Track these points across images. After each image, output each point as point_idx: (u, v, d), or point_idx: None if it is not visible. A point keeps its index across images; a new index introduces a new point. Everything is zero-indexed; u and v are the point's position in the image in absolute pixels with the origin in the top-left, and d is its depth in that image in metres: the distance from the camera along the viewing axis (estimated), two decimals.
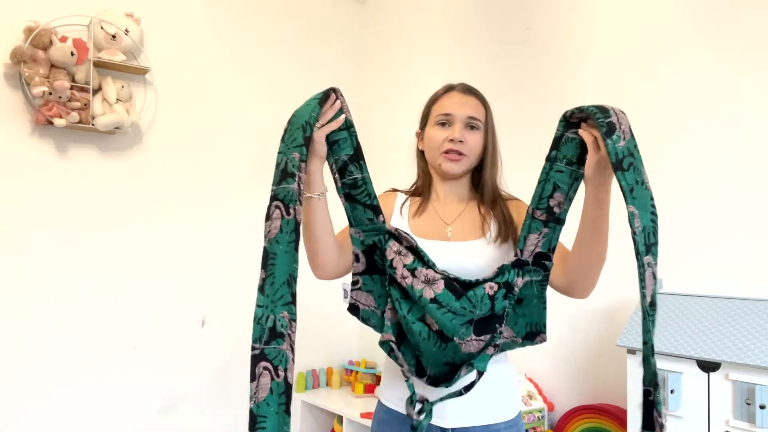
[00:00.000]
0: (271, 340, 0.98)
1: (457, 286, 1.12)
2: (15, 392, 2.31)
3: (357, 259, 1.21)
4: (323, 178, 1.16)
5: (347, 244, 1.22)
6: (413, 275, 1.14)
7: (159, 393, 2.65)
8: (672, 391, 1.57)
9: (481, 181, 1.34)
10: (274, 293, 1.00)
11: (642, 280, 0.94)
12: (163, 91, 2.70)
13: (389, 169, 2.39)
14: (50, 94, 2.28)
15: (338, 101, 1.14)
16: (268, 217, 1.04)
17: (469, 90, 1.36)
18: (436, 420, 1.23)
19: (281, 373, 0.97)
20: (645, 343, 0.95)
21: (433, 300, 1.11)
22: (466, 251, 1.26)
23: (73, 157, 2.48)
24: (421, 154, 1.40)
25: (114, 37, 2.45)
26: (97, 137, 2.52)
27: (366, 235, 1.20)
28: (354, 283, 1.21)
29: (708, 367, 1.54)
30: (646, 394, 1.01)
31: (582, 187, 1.11)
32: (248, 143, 2.95)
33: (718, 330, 1.56)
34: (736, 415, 1.48)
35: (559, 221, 1.15)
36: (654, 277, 0.95)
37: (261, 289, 1.01)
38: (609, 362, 2.14)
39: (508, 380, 1.30)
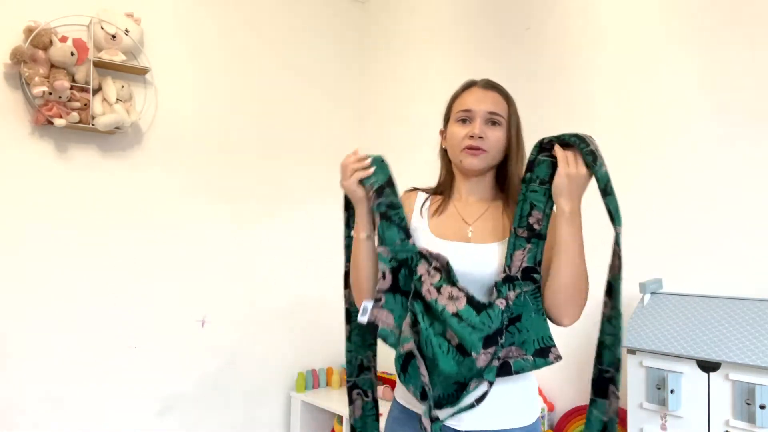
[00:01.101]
0: (360, 373, 1.39)
1: (478, 303, 1.15)
2: (15, 392, 2.31)
3: (383, 276, 1.22)
4: (371, 222, 1.27)
5: None
6: (438, 292, 1.16)
7: (159, 393, 2.65)
8: (672, 391, 1.57)
9: (506, 177, 1.31)
10: (361, 339, 1.38)
11: (619, 283, 1.13)
12: (163, 91, 2.70)
13: None
14: (50, 94, 2.28)
15: (363, 155, 1.26)
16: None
17: (490, 85, 1.33)
18: (452, 422, 1.20)
19: (369, 395, 1.40)
20: (613, 335, 1.20)
21: (455, 314, 1.13)
22: (486, 254, 1.23)
23: (73, 157, 2.48)
24: (444, 152, 1.38)
25: (114, 37, 2.45)
26: (97, 137, 2.52)
27: (395, 254, 1.22)
28: (377, 300, 1.22)
29: (708, 367, 1.54)
30: (605, 372, 1.21)
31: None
32: (248, 143, 2.95)
33: (718, 330, 1.56)
34: (736, 415, 1.48)
35: (541, 236, 1.20)
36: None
37: (348, 339, 1.38)
38: None
39: (528, 386, 1.27)
